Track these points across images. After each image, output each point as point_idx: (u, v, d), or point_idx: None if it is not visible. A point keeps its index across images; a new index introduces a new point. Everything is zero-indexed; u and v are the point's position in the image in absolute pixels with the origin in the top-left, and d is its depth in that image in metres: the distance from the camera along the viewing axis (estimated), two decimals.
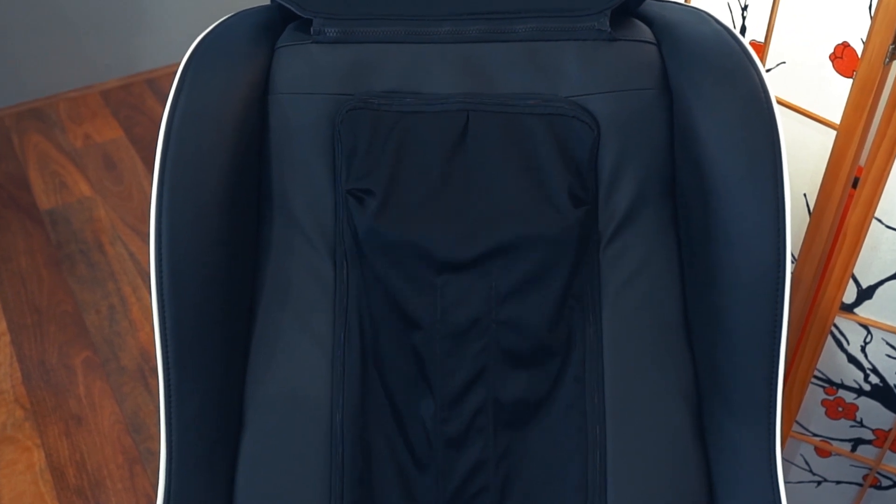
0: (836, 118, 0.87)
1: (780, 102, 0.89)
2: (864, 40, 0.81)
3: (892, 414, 1.01)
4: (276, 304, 0.75)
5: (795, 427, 1.08)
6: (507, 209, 0.72)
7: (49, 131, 2.08)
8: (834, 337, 0.99)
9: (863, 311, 0.96)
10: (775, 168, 0.67)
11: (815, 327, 0.98)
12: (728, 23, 0.89)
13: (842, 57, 0.84)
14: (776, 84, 0.92)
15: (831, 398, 1.04)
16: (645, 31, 0.76)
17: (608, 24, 0.73)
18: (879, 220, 0.89)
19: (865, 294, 0.94)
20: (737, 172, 0.67)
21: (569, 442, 0.73)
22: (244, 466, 0.72)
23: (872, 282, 0.93)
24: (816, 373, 1.03)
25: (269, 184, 0.75)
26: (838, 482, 1.11)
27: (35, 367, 1.52)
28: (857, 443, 1.06)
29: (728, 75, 0.69)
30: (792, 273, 0.79)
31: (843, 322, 0.98)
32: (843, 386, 1.02)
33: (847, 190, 0.91)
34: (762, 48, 0.93)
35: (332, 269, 0.75)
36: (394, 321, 0.73)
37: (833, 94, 0.87)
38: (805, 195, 0.95)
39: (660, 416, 0.73)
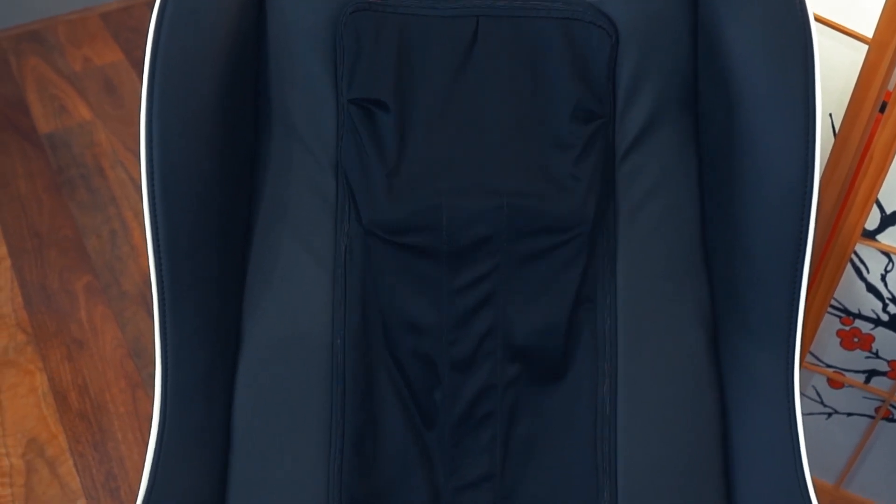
0: (869, 33, 0.81)
1: None
2: None
3: None
4: (275, 221, 0.71)
5: (808, 358, 1.05)
6: (513, 145, 0.70)
7: (48, 54, 2.02)
8: (853, 265, 0.96)
9: (885, 237, 0.92)
10: (807, 78, 0.62)
11: (834, 254, 0.94)
12: None
13: None
14: None
15: (847, 328, 1.01)
16: None
17: None
18: None
19: (889, 220, 0.90)
20: (765, 82, 0.63)
21: (579, 365, 0.70)
22: (242, 388, 0.70)
23: None
24: (833, 302, 0.99)
25: (267, 93, 0.70)
26: (849, 414, 1.09)
27: (36, 291, 1.49)
28: (871, 374, 1.03)
29: None
30: None
31: (863, 249, 0.94)
32: (860, 316, 0.99)
33: (875, 110, 0.86)
34: None
35: (335, 184, 0.71)
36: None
37: (866, 8, 0.81)
38: (831, 115, 0.90)
39: (674, 339, 0.70)
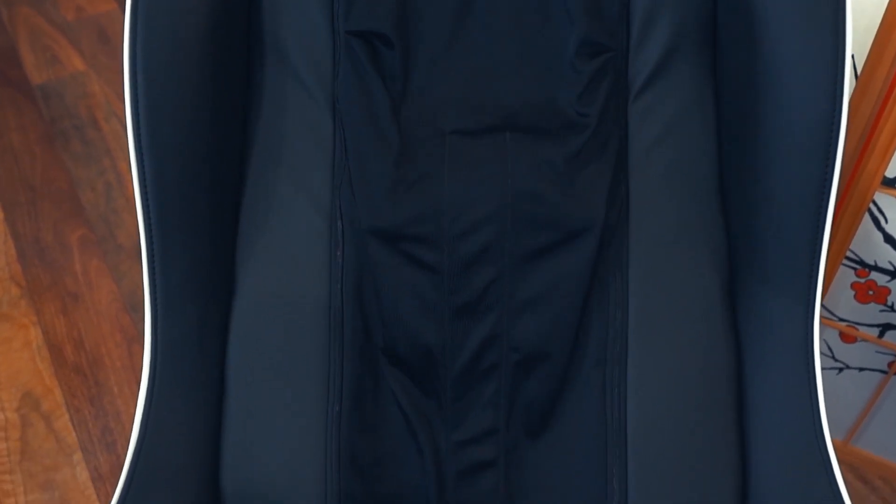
0: None
1: None
2: None
3: None
4: (270, 161, 0.68)
5: (821, 311, 1.02)
6: (520, 80, 0.67)
7: (39, 4, 1.96)
8: (871, 214, 0.92)
9: None
10: (837, 7, 0.58)
11: (851, 203, 0.91)
12: None
13: None
14: None
15: (862, 280, 0.98)
16: None
17: None
18: None
19: None
20: (793, 12, 0.58)
21: (588, 316, 0.67)
22: (236, 340, 0.67)
23: None
24: (848, 253, 0.96)
25: (260, 23, 0.66)
26: (861, 369, 1.06)
27: (29, 244, 1.46)
28: (885, 328, 1.00)
29: None
30: None
31: (882, 198, 0.90)
32: (876, 268, 0.96)
33: None
34: None
35: (332, 123, 0.67)
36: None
37: None
38: (853, 57, 0.85)
39: (688, 286, 0.67)
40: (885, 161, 0.86)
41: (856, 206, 0.91)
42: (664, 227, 0.67)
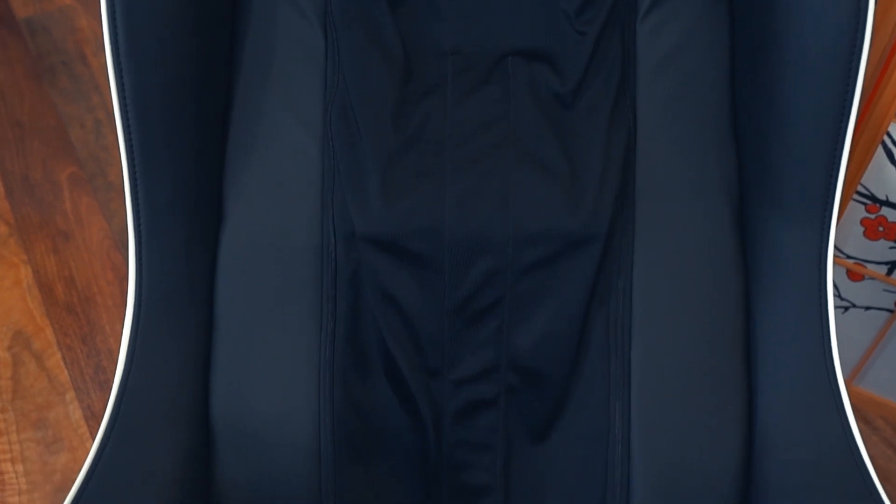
0: None
1: None
2: None
3: None
4: (258, 81, 0.64)
5: None
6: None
7: None
8: (885, 147, 0.88)
9: None
10: None
11: (865, 135, 0.87)
12: None
13: None
14: None
15: (872, 216, 0.94)
16: None
17: None
18: None
19: None
20: None
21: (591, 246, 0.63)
22: (225, 268, 0.63)
23: None
24: (859, 188, 0.93)
25: None
26: (867, 308, 1.04)
27: (18, 182, 1.42)
28: (894, 266, 0.98)
29: None
30: None
31: None
32: (887, 203, 0.93)
33: None
34: None
35: (324, 42, 0.63)
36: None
37: None
38: None
39: (696, 214, 0.63)
40: None
41: (869, 138, 0.87)
42: (671, 149, 0.63)
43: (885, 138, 0.87)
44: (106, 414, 0.58)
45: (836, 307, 1.06)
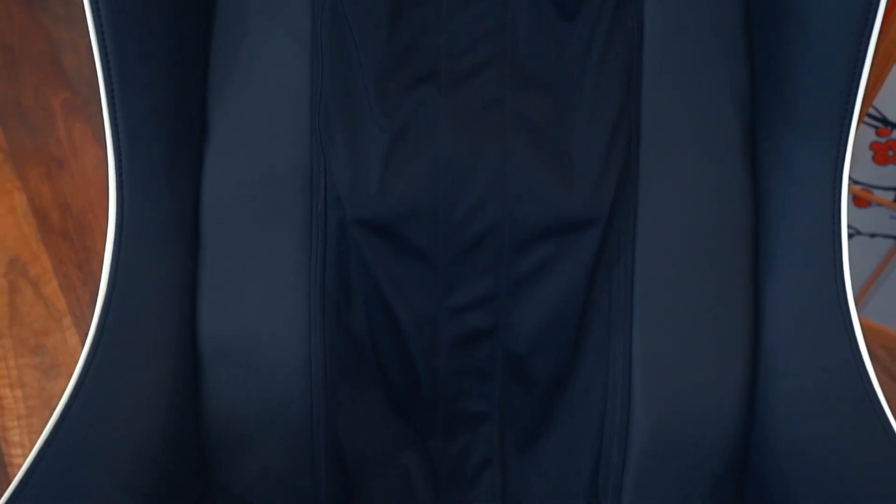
0: None
1: None
2: None
3: None
4: None
5: None
6: None
7: None
8: None
9: None
10: None
11: (878, 54, 0.82)
12: None
13: None
14: None
15: (883, 140, 0.91)
16: None
17: None
18: None
19: None
20: None
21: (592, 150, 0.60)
22: (210, 180, 0.60)
23: None
24: (871, 110, 0.88)
25: None
26: (873, 235, 1.01)
27: (11, 109, 1.38)
28: None
29: None
30: None
31: None
32: None
33: None
34: None
35: None
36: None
37: None
38: None
39: (705, 124, 0.59)
40: None
41: (883, 57, 0.83)
42: (681, 60, 0.59)
43: None
44: (89, 334, 0.55)
45: None
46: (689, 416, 0.60)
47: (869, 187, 0.96)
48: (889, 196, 0.95)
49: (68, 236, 1.22)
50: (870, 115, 0.89)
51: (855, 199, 0.98)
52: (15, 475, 0.49)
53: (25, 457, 0.81)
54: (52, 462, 0.49)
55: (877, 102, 0.87)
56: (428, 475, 0.66)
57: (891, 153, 0.91)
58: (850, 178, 0.95)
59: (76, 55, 1.45)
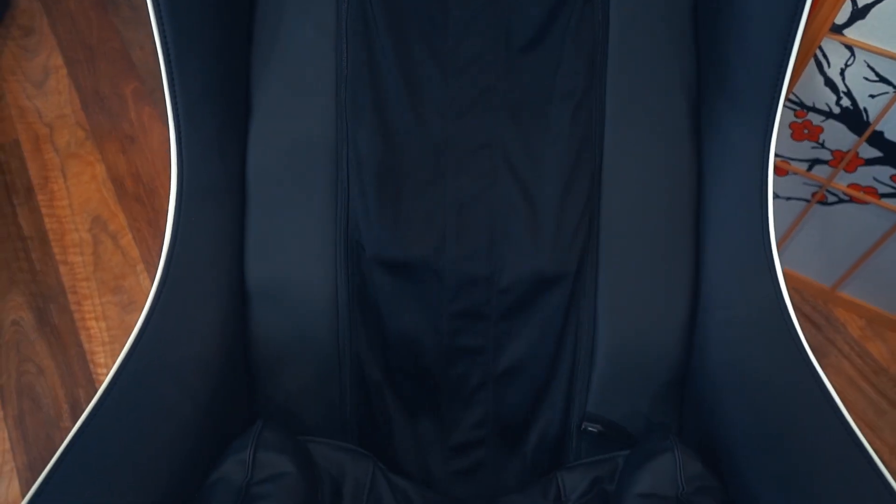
0: None
1: None
2: None
3: (854, 136, 0.86)
4: None
5: None
6: None
7: None
8: (815, 59, 0.81)
9: (852, 32, 0.77)
10: None
11: (801, 47, 0.80)
12: None
13: None
14: None
15: (800, 120, 0.89)
16: None
17: None
18: None
19: (859, 13, 0.75)
20: None
21: (563, 112, 0.58)
22: (254, 150, 0.58)
23: (870, 0, 0.73)
24: (791, 96, 0.86)
25: None
26: (788, 198, 0.99)
27: (90, 95, 1.34)
28: (814, 163, 0.92)
29: None
30: None
31: (829, 44, 0.79)
32: (813, 109, 0.86)
33: None
34: None
35: None
36: None
37: None
38: None
39: (660, 111, 0.58)
40: (836, 7, 0.75)
41: (804, 51, 0.80)
42: (641, 51, 0.57)
43: (818, 51, 0.80)
44: (155, 281, 0.54)
45: None
46: (641, 344, 0.59)
47: (787, 159, 0.94)
48: (803, 166, 0.94)
49: (140, 199, 1.20)
50: (789, 100, 0.87)
51: (775, 169, 0.97)
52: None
53: None
54: (128, 376, 0.48)
55: (795, 90, 0.85)
56: (432, 392, 0.65)
57: (806, 131, 0.89)
58: None
59: (143, 52, 1.41)
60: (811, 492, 0.44)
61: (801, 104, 0.87)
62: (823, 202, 0.96)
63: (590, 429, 0.59)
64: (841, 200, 0.94)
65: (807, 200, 0.98)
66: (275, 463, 0.49)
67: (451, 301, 0.60)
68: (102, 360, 1.03)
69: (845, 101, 0.83)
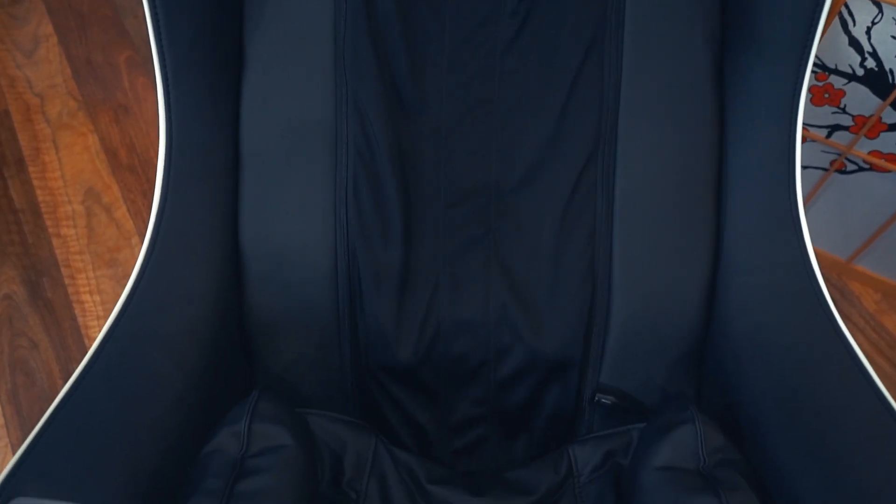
0: None
1: None
2: None
3: (877, 100, 0.82)
4: None
5: None
6: None
7: None
8: (840, 17, 0.78)
9: None
10: None
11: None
12: None
13: None
14: None
15: (821, 84, 0.85)
16: None
17: None
18: None
19: None
20: None
21: (586, 79, 0.54)
22: (248, 101, 0.55)
23: None
24: None
25: None
26: (805, 167, 0.96)
27: (82, 64, 1.30)
28: (834, 129, 0.89)
29: None
30: None
31: (854, 0, 0.75)
32: (836, 71, 0.83)
33: None
34: None
35: None
36: None
37: None
38: None
39: (680, 62, 0.54)
40: None
41: (830, 8, 0.76)
42: (661, 14, 0.53)
43: (843, 8, 0.77)
44: (144, 244, 0.51)
45: None
46: (658, 312, 0.56)
47: (806, 125, 0.90)
48: (822, 133, 0.90)
49: (134, 170, 1.17)
50: None
51: None
52: None
53: None
54: (115, 345, 0.45)
55: (817, 51, 0.81)
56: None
57: (826, 95, 0.86)
58: None
59: (136, 19, 1.37)
60: (843, 463, 0.42)
61: (823, 66, 0.83)
62: (842, 171, 0.93)
63: (603, 400, 0.56)
64: (861, 169, 0.91)
65: (825, 169, 0.94)
66: (271, 435, 0.46)
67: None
68: (97, 335, 1.00)
69: (870, 62, 0.79)
